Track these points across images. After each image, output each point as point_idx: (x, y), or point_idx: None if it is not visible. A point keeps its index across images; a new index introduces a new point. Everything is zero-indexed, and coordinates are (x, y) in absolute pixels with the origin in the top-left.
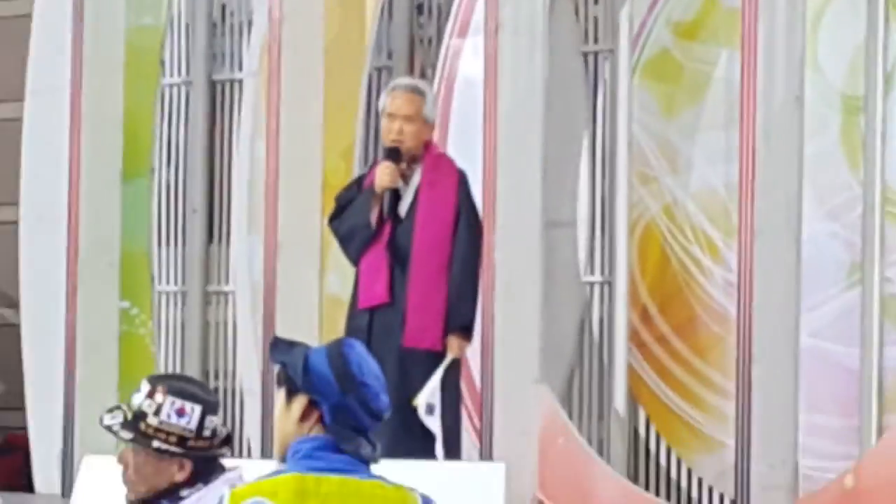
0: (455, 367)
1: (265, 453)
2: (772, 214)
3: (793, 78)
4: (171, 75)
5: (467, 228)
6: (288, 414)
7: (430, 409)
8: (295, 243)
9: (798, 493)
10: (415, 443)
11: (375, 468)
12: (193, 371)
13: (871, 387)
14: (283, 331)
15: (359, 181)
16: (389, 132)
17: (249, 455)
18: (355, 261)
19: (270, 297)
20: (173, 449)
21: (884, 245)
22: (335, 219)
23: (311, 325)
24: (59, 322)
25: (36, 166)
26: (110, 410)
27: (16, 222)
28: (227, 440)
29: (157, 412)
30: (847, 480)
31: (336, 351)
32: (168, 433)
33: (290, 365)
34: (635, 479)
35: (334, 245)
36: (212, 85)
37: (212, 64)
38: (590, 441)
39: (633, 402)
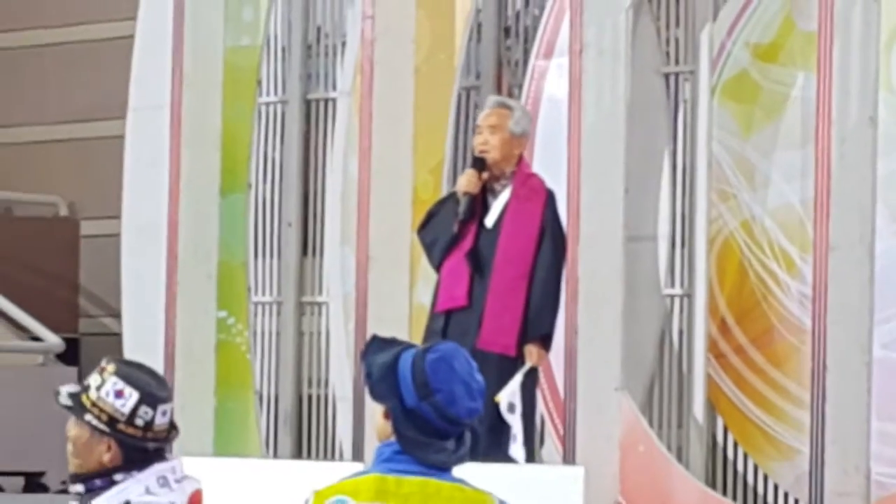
0: (532, 376)
1: (356, 456)
2: (846, 230)
3: (867, 99)
4: (268, 94)
5: (552, 244)
6: (381, 414)
7: (511, 408)
8: (385, 255)
9: (870, 500)
10: (487, 444)
11: (459, 470)
12: (288, 379)
13: None
14: None
15: (449, 197)
16: (477, 143)
17: (342, 458)
18: (437, 266)
19: (362, 307)
20: (101, 427)
21: None
22: (423, 229)
23: (401, 333)
24: (159, 331)
25: (137, 181)
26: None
27: (118, 235)
28: (166, 438)
29: (98, 387)
30: None
31: (420, 356)
32: (101, 410)
33: (367, 371)
34: (713, 485)
35: (423, 257)
36: (307, 104)
37: (307, 84)
38: (669, 447)
39: (711, 410)
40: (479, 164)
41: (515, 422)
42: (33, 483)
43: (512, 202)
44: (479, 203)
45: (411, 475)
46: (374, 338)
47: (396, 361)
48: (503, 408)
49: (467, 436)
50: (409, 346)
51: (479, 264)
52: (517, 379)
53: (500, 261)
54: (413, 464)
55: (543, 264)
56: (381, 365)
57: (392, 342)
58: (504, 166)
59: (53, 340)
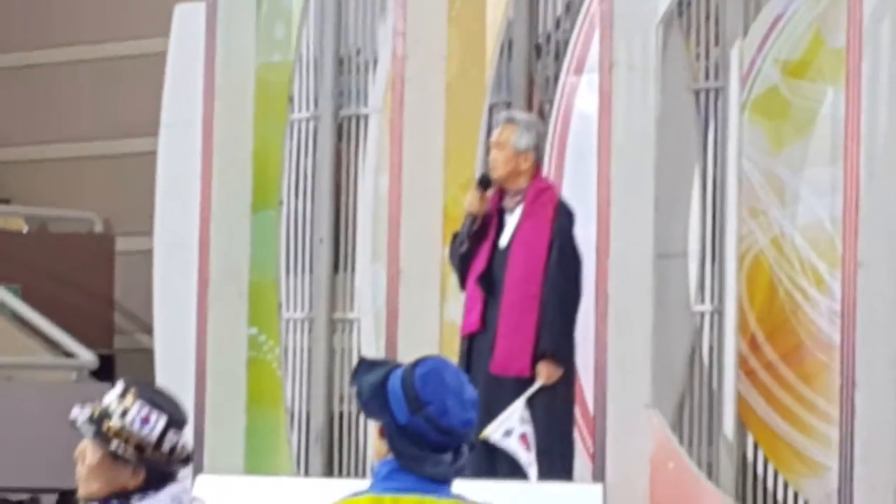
0: (553, 393)
1: None
2: (875, 246)
3: None
4: (300, 110)
5: (559, 258)
6: (377, 433)
7: (507, 434)
8: (416, 271)
9: None
10: (504, 465)
11: (460, 487)
12: (319, 396)
13: None
14: (405, 357)
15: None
16: (489, 161)
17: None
18: (462, 288)
19: (393, 323)
20: (128, 455)
21: None
22: (451, 250)
23: (431, 350)
24: (190, 347)
25: (169, 197)
26: (83, 405)
27: (150, 251)
28: (187, 459)
29: (122, 415)
30: None
31: (409, 371)
32: (128, 438)
33: (357, 391)
34: (743, 502)
35: (453, 274)
36: (338, 120)
37: (339, 100)
38: (699, 465)
39: (741, 427)
40: (484, 182)
41: (513, 445)
42: (67, 499)
43: (523, 220)
44: (495, 223)
45: (408, 493)
46: (363, 359)
47: (386, 379)
48: (497, 438)
49: (464, 448)
50: (398, 365)
51: (491, 287)
52: (517, 404)
53: (509, 282)
54: (411, 481)
55: (551, 281)
56: (370, 384)
57: (382, 362)
58: (515, 183)
59: (87, 357)
